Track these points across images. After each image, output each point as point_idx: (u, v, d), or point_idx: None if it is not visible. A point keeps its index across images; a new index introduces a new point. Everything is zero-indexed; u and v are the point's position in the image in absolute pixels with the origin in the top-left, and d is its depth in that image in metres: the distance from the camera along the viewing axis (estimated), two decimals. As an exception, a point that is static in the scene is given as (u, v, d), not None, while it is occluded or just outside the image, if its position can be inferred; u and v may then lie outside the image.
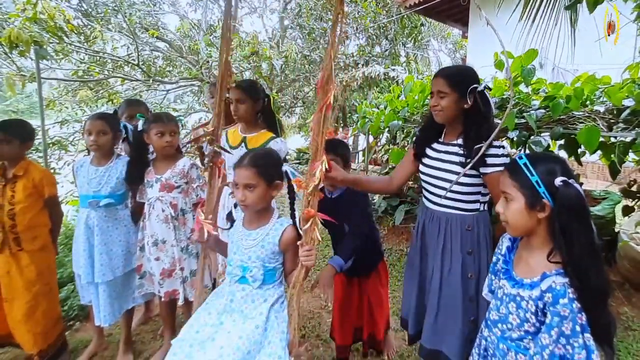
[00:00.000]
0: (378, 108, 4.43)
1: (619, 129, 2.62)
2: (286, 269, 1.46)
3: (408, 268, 1.78)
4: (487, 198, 1.55)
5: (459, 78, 1.50)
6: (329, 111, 1.31)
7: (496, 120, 1.65)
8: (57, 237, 2.23)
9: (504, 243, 1.20)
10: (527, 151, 2.75)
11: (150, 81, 4.95)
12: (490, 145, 1.40)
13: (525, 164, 1.02)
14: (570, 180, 0.96)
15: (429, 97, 1.74)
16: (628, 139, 2.56)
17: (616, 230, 3.27)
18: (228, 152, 1.92)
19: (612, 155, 2.66)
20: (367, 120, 4.11)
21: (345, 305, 2.00)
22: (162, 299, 2.07)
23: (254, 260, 1.39)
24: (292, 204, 1.48)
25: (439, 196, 1.57)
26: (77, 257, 2.11)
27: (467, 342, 1.45)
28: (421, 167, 1.66)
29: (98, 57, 6.01)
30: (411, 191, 4.32)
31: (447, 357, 1.51)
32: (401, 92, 4.20)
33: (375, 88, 8.35)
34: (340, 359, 2.09)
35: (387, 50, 8.98)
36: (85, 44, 5.54)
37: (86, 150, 2.33)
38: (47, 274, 2.12)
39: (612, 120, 2.70)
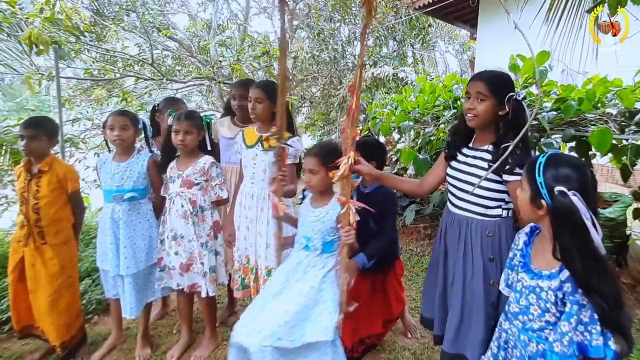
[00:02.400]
0: (386, 108, 4.46)
1: (631, 132, 2.63)
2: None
3: (430, 269, 1.80)
4: (511, 205, 1.53)
5: (499, 83, 1.50)
6: (357, 113, 1.48)
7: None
8: (79, 231, 2.29)
9: (521, 238, 1.25)
10: (537, 153, 2.76)
11: (164, 80, 5.02)
12: (518, 154, 1.41)
13: (539, 164, 1.09)
14: (570, 192, 1.01)
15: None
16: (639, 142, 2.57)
17: (627, 232, 3.28)
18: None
19: (624, 158, 2.67)
20: (377, 120, 4.14)
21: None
22: (184, 291, 2.12)
23: (315, 233, 1.68)
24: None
25: (462, 200, 1.59)
26: (103, 251, 2.17)
27: (486, 345, 1.44)
28: (448, 170, 1.67)
29: (109, 56, 6.08)
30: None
31: None
32: (412, 93, 4.23)
33: (382, 89, 8.38)
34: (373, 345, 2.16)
35: (395, 51, 8.99)
36: (97, 42, 5.61)
37: (107, 147, 2.39)
38: (69, 267, 2.18)
39: (624, 123, 2.72)
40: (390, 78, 6.86)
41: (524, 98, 1.54)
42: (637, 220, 3.17)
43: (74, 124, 5.96)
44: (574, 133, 2.75)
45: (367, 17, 1.45)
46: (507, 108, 1.48)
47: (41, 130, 2.10)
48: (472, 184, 1.53)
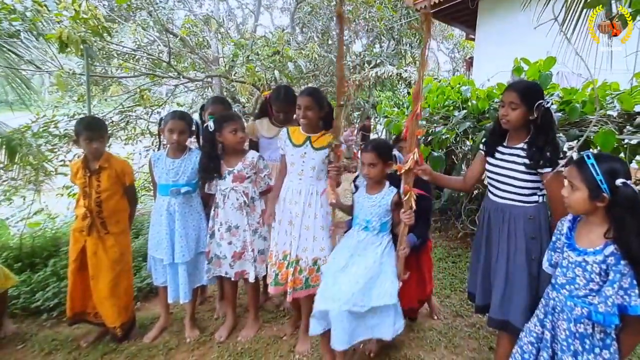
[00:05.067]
0: (393, 108, 4.70)
1: (629, 132, 2.92)
2: (395, 221, 2.05)
3: (474, 251, 2.08)
4: (544, 192, 1.82)
5: (529, 93, 1.74)
6: (419, 117, 1.81)
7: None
8: (132, 221, 2.46)
9: (565, 225, 1.48)
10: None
11: (181, 78, 5.14)
12: (550, 151, 1.70)
13: (592, 164, 1.29)
14: (629, 182, 1.23)
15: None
16: (633, 142, 2.85)
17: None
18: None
19: (621, 155, 2.95)
20: (391, 119, 4.36)
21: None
22: (232, 279, 2.31)
23: (373, 216, 2.00)
24: (397, 179, 1.99)
25: (503, 190, 1.86)
26: (157, 241, 2.33)
27: (529, 312, 1.71)
28: (487, 166, 1.95)
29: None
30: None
31: (513, 325, 1.77)
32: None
33: (376, 88, 8.60)
34: (410, 318, 2.44)
35: (394, 49, 9.22)
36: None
37: (158, 145, 2.53)
38: (126, 254, 2.36)
39: (622, 124, 3.00)
40: (395, 78, 7.08)
41: (551, 105, 1.79)
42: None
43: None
44: (578, 133, 3.03)
45: (427, 35, 1.76)
46: (535, 114, 1.75)
47: (104, 134, 2.26)
48: (511, 177, 1.82)
